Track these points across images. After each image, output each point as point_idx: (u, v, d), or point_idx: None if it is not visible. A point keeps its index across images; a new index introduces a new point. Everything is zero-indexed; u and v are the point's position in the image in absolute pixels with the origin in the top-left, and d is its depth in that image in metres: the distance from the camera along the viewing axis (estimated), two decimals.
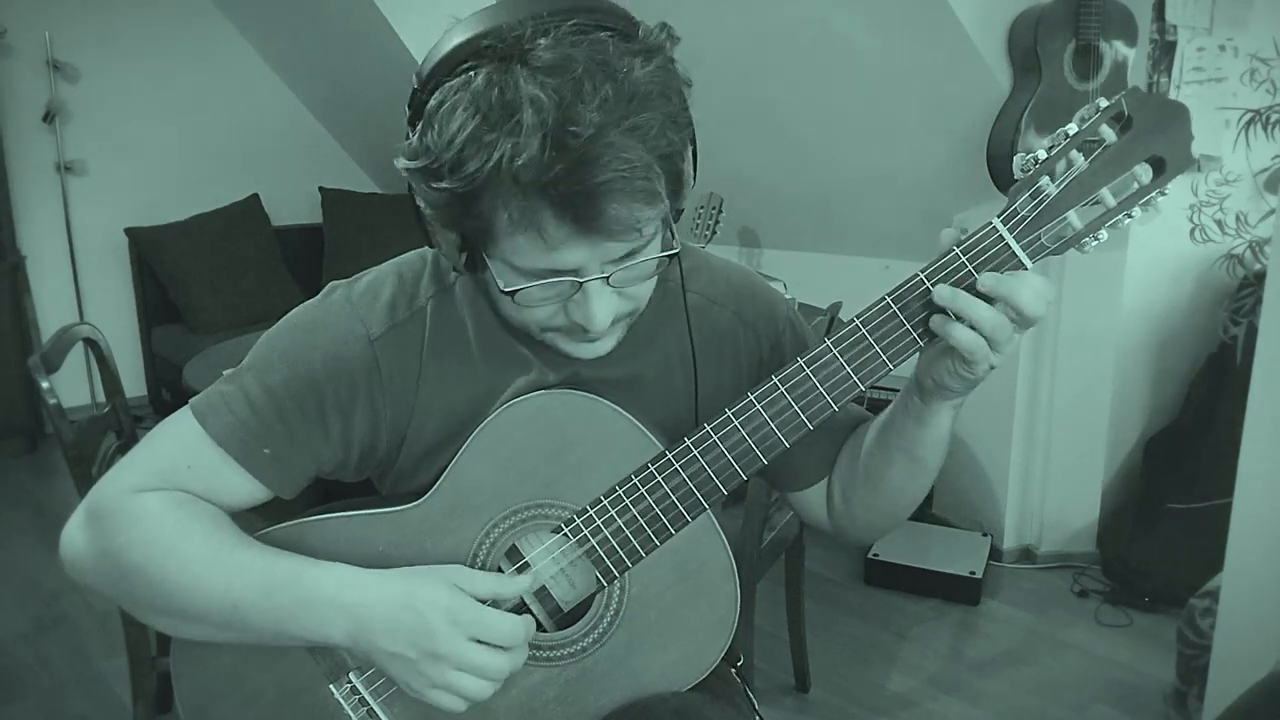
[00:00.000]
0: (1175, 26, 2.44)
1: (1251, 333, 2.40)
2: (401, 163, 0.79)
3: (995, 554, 2.81)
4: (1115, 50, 2.34)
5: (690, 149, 0.81)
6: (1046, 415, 2.77)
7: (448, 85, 0.75)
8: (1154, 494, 2.66)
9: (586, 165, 0.71)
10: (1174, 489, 2.60)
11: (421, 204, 0.80)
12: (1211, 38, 2.48)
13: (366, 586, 0.83)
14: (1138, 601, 2.55)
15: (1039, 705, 2.18)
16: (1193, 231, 2.65)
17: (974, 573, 2.60)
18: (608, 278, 0.79)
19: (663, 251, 0.82)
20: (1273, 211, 2.66)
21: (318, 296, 0.93)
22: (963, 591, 2.60)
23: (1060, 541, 2.82)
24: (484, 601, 0.84)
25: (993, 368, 0.81)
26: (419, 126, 0.77)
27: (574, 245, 0.75)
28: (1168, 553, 2.53)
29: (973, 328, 0.78)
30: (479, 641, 0.82)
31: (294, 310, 0.93)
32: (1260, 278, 2.46)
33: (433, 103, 0.75)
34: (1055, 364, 2.72)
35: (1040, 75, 2.33)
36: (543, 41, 0.72)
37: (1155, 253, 2.61)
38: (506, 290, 0.79)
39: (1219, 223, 2.67)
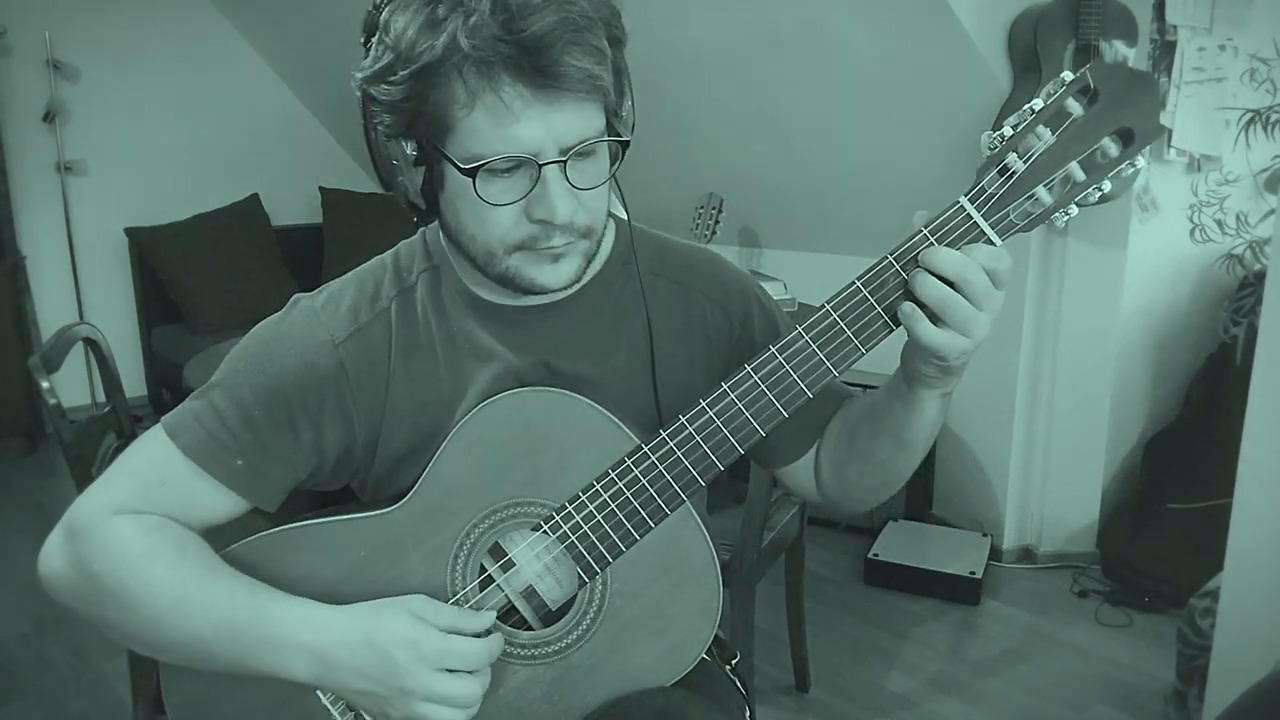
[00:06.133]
0: (1175, 26, 2.44)
1: (1251, 333, 2.40)
2: (357, 78, 0.82)
3: (995, 554, 2.81)
4: (1115, 50, 2.33)
5: (626, 67, 0.84)
6: (1046, 415, 2.77)
7: None
8: (1154, 494, 2.66)
9: (535, 11, 0.75)
10: (1174, 489, 2.60)
11: (378, 119, 0.82)
12: (1211, 37, 2.48)
13: (328, 627, 0.83)
14: (1138, 601, 2.55)
15: (1039, 705, 2.18)
16: (1193, 231, 2.65)
17: (974, 573, 2.60)
18: (565, 164, 0.80)
19: (612, 139, 0.84)
20: (1273, 211, 2.66)
21: (282, 310, 0.94)
22: (963, 591, 2.60)
23: (1060, 541, 2.82)
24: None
25: (964, 353, 0.79)
26: (374, 39, 0.81)
27: (530, 112, 0.77)
28: (1168, 553, 2.53)
29: (923, 306, 0.78)
30: (446, 671, 0.82)
31: (259, 324, 0.94)
32: (1260, 278, 2.46)
33: (385, 13, 0.79)
34: (1055, 364, 2.72)
35: (1040, 75, 2.32)
36: None
37: (1155, 253, 2.61)
38: (467, 168, 0.79)
39: (1219, 223, 2.67)
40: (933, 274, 0.77)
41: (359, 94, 0.83)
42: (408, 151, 0.83)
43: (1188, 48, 2.46)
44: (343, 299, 0.93)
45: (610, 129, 0.84)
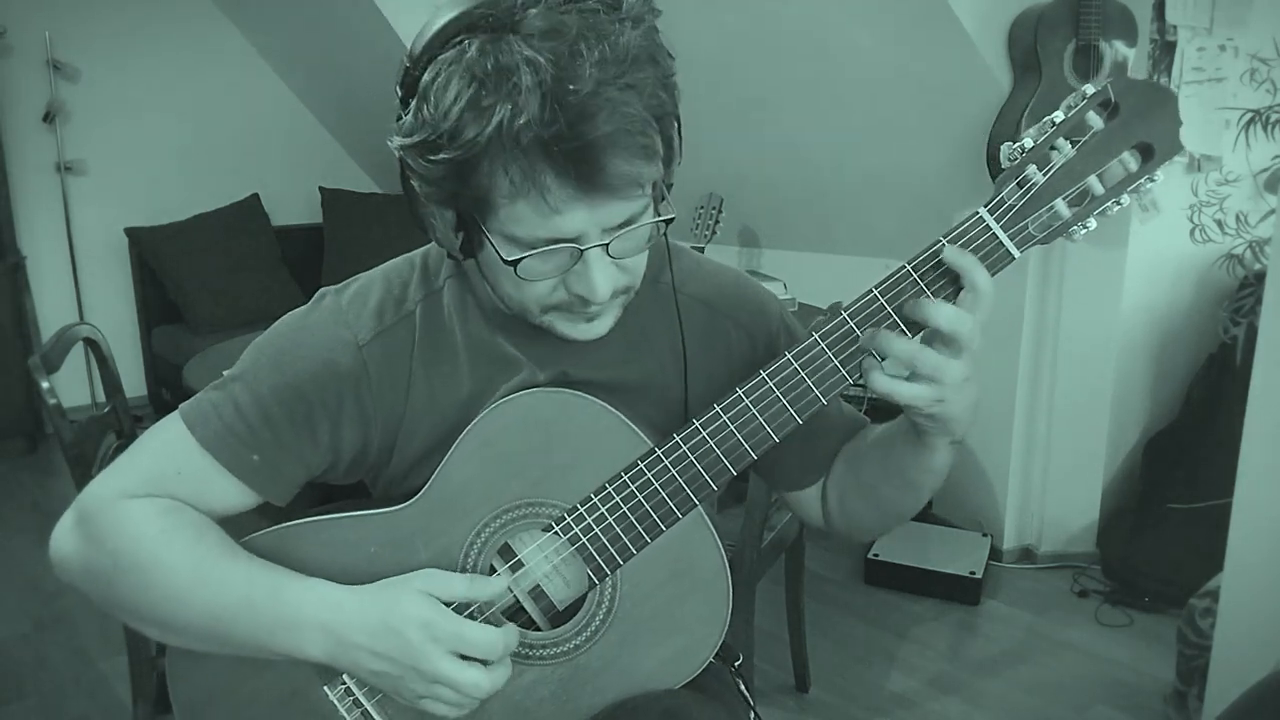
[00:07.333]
0: (1175, 26, 2.44)
1: (1251, 333, 2.40)
2: (396, 141, 0.79)
3: (995, 554, 2.81)
4: (1115, 50, 2.34)
5: (678, 120, 0.82)
6: (1046, 415, 2.77)
7: (441, 59, 0.75)
8: (1154, 494, 2.66)
9: (587, 120, 0.71)
10: (1174, 489, 2.60)
11: (416, 184, 0.80)
12: (1211, 37, 2.48)
13: (344, 606, 0.83)
14: (1138, 601, 2.55)
15: (1039, 705, 2.18)
16: (1193, 231, 2.65)
17: (974, 573, 2.60)
18: (607, 245, 0.78)
19: (657, 219, 0.82)
20: (1273, 211, 2.66)
21: (307, 304, 0.94)
22: (963, 591, 2.60)
23: (1060, 541, 2.82)
24: (461, 607, 0.84)
25: (940, 401, 0.80)
26: (413, 103, 0.77)
27: (575, 207, 0.75)
28: (1168, 553, 2.53)
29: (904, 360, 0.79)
30: (460, 655, 0.82)
31: (283, 317, 0.93)
32: (1260, 278, 2.46)
33: (427, 77, 0.76)
34: (1055, 364, 2.72)
35: (1040, 75, 2.33)
36: (533, 11, 0.73)
37: (1155, 253, 2.61)
38: (509, 260, 0.78)
39: (1219, 223, 2.67)
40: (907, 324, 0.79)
41: (396, 154, 0.80)
42: (447, 216, 0.82)
43: (1188, 48, 2.46)
44: (368, 297, 0.92)
45: (655, 191, 0.82)
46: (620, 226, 0.78)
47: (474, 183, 0.76)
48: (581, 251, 0.78)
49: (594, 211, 0.76)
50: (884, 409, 0.98)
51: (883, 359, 0.80)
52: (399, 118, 0.79)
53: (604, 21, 0.74)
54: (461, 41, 0.74)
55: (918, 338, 0.80)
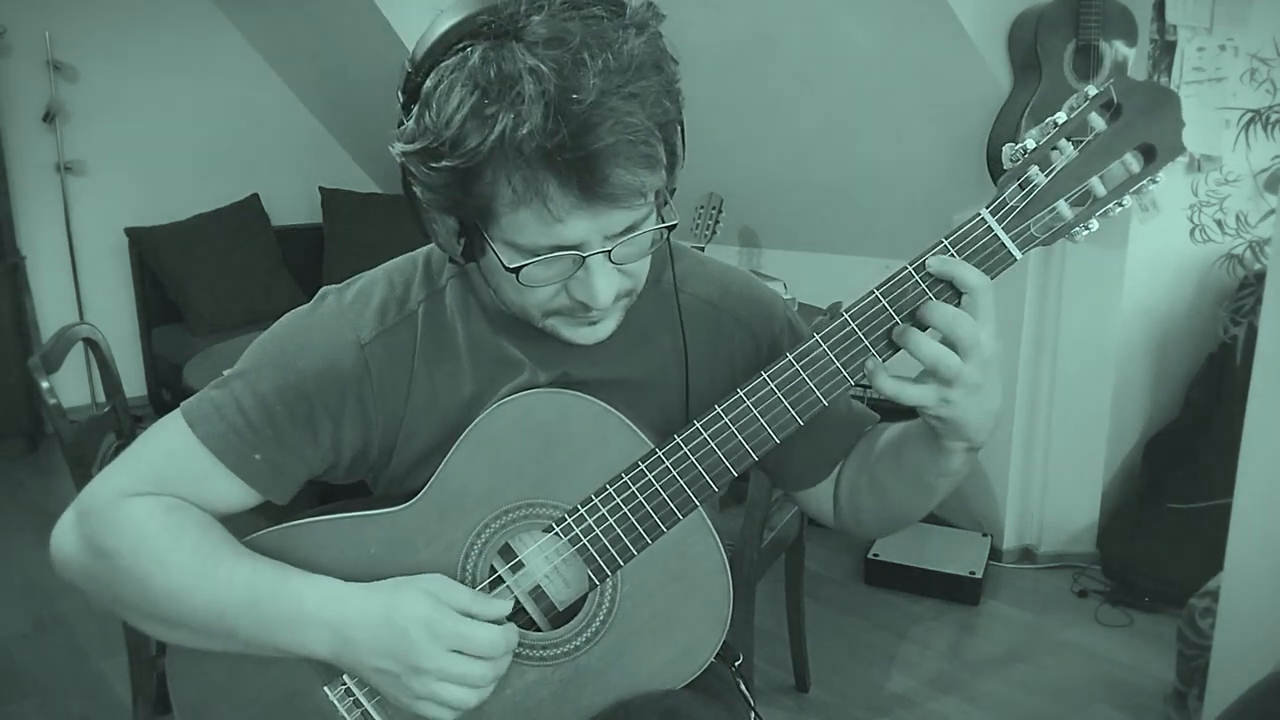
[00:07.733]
0: (1175, 26, 2.44)
1: (1251, 333, 2.41)
2: (398, 147, 0.79)
3: (995, 554, 2.81)
4: (1115, 50, 2.34)
5: (681, 126, 0.81)
6: (1046, 415, 2.77)
7: (443, 65, 0.75)
8: (1154, 494, 2.66)
9: (590, 130, 0.71)
10: (1174, 489, 2.60)
11: (418, 190, 0.80)
12: (1211, 37, 2.48)
13: (348, 602, 0.83)
14: (1138, 601, 2.55)
15: (1039, 705, 2.18)
16: (1193, 231, 2.65)
17: (974, 573, 2.60)
18: (609, 252, 0.78)
19: (660, 225, 0.82)
20: (1273, 211, 2.66)
21: (310, 303, 0.93)
22: (963, 591, 2.60)
23: (1060, 541, 2.82)
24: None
25: (946, 402, 0.79)
26: (415, 109, 0.77)
27: (578, 216, 0.75)
28: (1168, 553, 2.53)
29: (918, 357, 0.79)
30: (460, 652, 0.82)
31: (286, 316, 0.93)
32: (1260, 278, 2.46)
33: (429, 84, 0.75)
34: (1055, 364, 2.72)
35: (1040, 75, 2.33)
36: (536, 18, 0.73)
37: (1155, 253, 2.61)
38: (511, 268, 0.78)
39: (1219, 223, 2.67)
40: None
41: (398, 160, 0.80)
42: (449, 222, 0.82)
43: (1188, 48, 2.46)
44: (371, 297, 0.92)
45: (659, 198, 0.81)
46: (623, 233, 0.78)
47: (476, 191, 0.76)
48: (584, 259, 0.78)
49: (596, 220, 0.76)
50: (885, 409, 0.98)
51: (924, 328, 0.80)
52: (400, 123, 0.79)
53: (608, 28, 0.73)
54: (464, 48, 0.74)
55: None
